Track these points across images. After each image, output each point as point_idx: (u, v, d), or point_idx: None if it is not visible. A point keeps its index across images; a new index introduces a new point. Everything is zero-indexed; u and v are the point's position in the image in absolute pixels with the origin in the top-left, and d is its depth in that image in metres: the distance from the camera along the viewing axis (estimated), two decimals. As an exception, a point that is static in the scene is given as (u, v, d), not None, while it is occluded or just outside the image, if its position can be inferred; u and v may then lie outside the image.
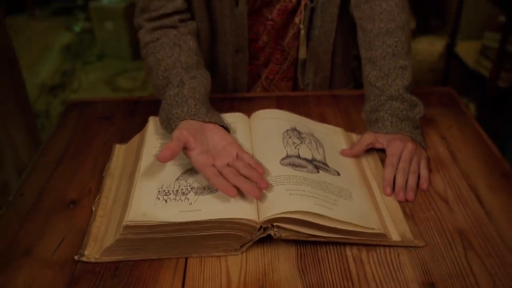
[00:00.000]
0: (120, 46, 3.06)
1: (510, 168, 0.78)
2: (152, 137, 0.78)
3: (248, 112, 0.85)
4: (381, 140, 0.79)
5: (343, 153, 0.79)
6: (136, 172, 0.70)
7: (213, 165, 0.66)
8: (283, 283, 0.60)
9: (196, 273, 0.62)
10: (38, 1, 3.66)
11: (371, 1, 0.85)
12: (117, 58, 3.07)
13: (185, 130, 0.68)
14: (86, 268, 0.62)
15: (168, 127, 0.73)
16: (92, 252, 0.64)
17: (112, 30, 3.01)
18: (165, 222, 0.61)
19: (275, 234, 0.63)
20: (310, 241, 0.65)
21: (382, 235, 0.64)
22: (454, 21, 2.50)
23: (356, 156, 0.79)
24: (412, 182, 0.74)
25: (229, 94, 1.00)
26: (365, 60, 0.86)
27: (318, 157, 0.75)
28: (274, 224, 0.63)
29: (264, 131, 0.78)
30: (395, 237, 0.65)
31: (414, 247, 0.65)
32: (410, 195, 0.72)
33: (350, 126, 0.90)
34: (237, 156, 0.69)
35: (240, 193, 0.64)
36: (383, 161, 0.79)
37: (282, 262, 0.63)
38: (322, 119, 0.90)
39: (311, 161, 0.73)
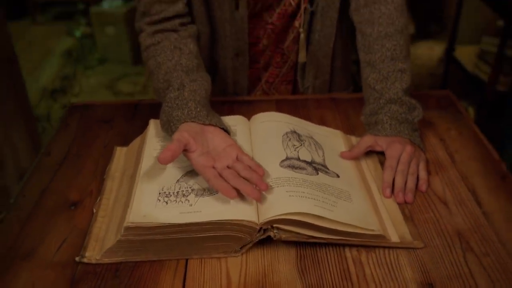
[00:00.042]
0: (121, 51, 3.08)
1: (508, 170, 0.79)
2: (152, 139, 0.78)
3: (248, 115, 0.85)
4: (380, 143, 0.80)
5: (342, 155, 0.79)
6: (137, 174, 0.71)
7: (213, 167, 0.67)
8: (283, 284, 0.60)
9: (197, 274, 0.62)
10: (40, 6, 3.68)
11: (370, 5, 0.85)
12: (117, 63, 3.09)
13: (186, 132, 0.69)
14: (87, 269, 0.63)
15: (169, 129, 0.74)
16: (93, 253, 0.64)
17: (113, 35, 3.02)
18: (165, 223, 0.61)
19: (275, 236, 0.63)
20: (309, 243, 0.65)
21: (382, 237, 0.65)
22: (453, 26, 2.51)
23: (355, 159, 0.80)
24: (411, 184, 0.74)
25: (229, 97, 1.00)
26: (364, 63, 0.87)
27: (318, 159, 0.75)
28: (274, 225, 0.63)
29: (264, 134, 0.79)
30: (394, 238, 0.66)
31: (413, 248, 0.65)
32: (409, 197, 0.73)
33: (350, 129, 0.90)
34: (237, 158, 0.69)
35: (240, 195, 0.65)
36: (382, 164, 0.79)
37: (282, 263, 0.63)
38: (322, 122, 0.90)
39: (310, 163, 0.73)
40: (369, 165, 0.80)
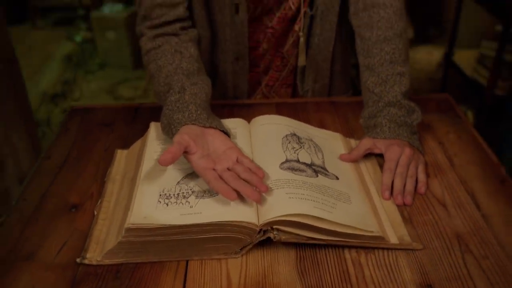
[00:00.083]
0: (121, 56, 3.09)
1: (507, 174, 0.79)
2: (153, 142, 0.79)
3: (248, 119, 0.86)
4: (379, 146, 0.80)
5: (341, 158, 0.80)
6: (137, 176, 0.71)
7: (214, 169, 0.67)
8: (283, 285, 0.61)
9: (197, 275, 0.62)
10: (40, 11, 3.69)
11: (369, 9, 0.86)
12: (118, 68, 3.10)
13: (186, 134, 0.69)
14: (88, 270, 0.63)
15: (169, 132, 0.74)
16: (94, 255, 0.65)
17: (113, 39, 3.03)
18: (166, 224, 0.62)
19: (274, 237, 0.63)
20: (309, 244, 0.65)
21: (381, 238, 0.65)
22: (451, 30, 2.52)
23: (355, 161, 0.80)
24: (410, 186, 0.75)
25: (229, 100, 1.01)
26: (363, 67, 0.88)
27: (317, 161, 0.76)
28: (274, 227, 0.63)
29: (263, 136, 0.79)
30: (393, 240, 0.66)
31: (412, 250, 0.65)
32: (408, 199, 0.73)
33: (349, 132, 0.91)
34: (237, 160, 0.70)
35: (240, 197, 0.65)
36: (381, 166, 0.80)
37: (282, 265, 0.64)
38: (321, 125, 0.91)
39: (310, 165, 0.74)
40: (368, 168, 0.81)
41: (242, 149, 0.75)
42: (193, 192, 0.67)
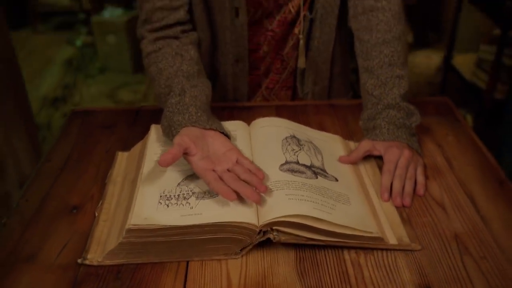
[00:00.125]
0: (122, 60, 3.10)
1: (505, 176, 0.80)
2: (154, 144, 0.79)
3: (248, 121, 0.86)
4: (379, 147, 0.81)
5: (341, 159, 0.80)
6: (138, 178, 0.72)
7: (214, 170, 0.68)
8: (283, 286, 0.61)
9: (197, 276, 0.63)
10: (41, 16, 3.71)
11: (368, 12, 0.87)
12: (118, 72, 3.11)
13: (186, 136, 0.70)
14: (89, 271, 0.63)
15: (170, 134, 0.75)
16: (95, 256, 0.65)
17: (113, 44, 3.05)
18: (166, 225, 0.62)
19: (274, 238, 0.64)
20: (309, 245, 0.66)
21: (380, 239, 0.66)
22: (450, 35, 2.54)
23: (354, 163, 0.81)
24: (408, 187, 0.75)
25: (229, 103, 1.02)
26: (362, 69, 0.88)
27: (317, 163, 0.76)
28: (274, 227, 0.64)
29: (263, 138, 0.80)
30: (392, 241, 0.67)
31: (411, 250, 0.66)
32: (407, 201, 0.74)
33: (348, 134, 0.91)
34: (237, 161, 0.70)
35: (240, 198, 0.66)
36: (380, 168, 0.80)
37: (282, 266, 0.64)
38: (321, 127, 0.91)
39: (309, 167, 0.74)
40: (367, 170, 0.81)
41: (242, 151, 0.75)
42: (193, 193, 0.68)
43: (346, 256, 0.65)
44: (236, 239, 0.64)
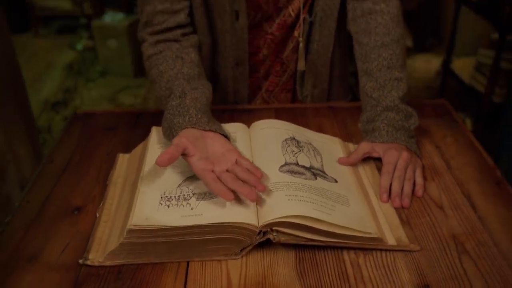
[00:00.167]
0: (122, 64, 3.11)
1: (502, 176, 0.81)
2: (154, 146, 0.80)
3: (248, 123, 0.87)
4: (377, 149, 0.82)
5: (340, 161, 0.81)
6: (139, 179, 0.72)
7: (213, 171, 0.68)
8: (282, 286, 0.62)
9: (198, 276, 0.63)
10: (42, 20, 3.73)
11: (367, 15, 0.88)
12: (119, 75, 3.12)
13: (185, 137, 0.71)
14: (90, 271, 0.64)
15: (170, 135, 0.75)
16: (96, 256, 0.66)
17: (114, 48, 3.06)
18: (167, 226, 0.63)
19: (274, 238, 0.64)
20: (308, 245, 0.66)
21: (379, 240, 0.66)
22: (449, 39, 2.55)
23: (353, 164, 0.81)
24: (407, 189, 0.76)
25: (229, 106, 1.02)
26: (361, 72, 0.89)
27: (316, 165, 0.77)
28: (274, 228, 0.64)
29: (263, 140, 0.81)
30: (391, 241, 0.67)
31: (409, 251, 0.66)
32: (406, 202, 0.74)
33: (347, 137, 0.92)
34: (236, 162, 0.71)
35: (240, 198, 0.66)
36: (379, 170, 0.81)
37: (281, 266, 0.64)
38: (320, 130, 0.92)
39: (309, 168, 0.75)
40: (366, 171, 0.82)
41: (242, 153, 0.76)
42: (193, 194, 0.68)
43: (346, 257, 0.66)
44: (236, 240, 0.64)
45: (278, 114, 0.97)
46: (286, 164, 0.74)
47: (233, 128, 0.84)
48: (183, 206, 0.66)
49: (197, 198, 0.68)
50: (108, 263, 0.65)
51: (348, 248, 0.67)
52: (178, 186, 0.70)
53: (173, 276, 0.63)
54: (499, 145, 1.33)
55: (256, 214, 0.65)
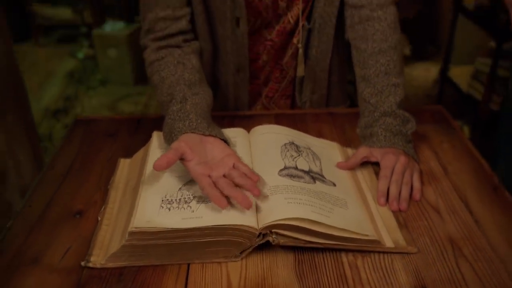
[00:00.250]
0: (123, 72, 3.13)
1: (498, 181, 0.82)
2: (156, 150, 0.81)
3: (248, 129, 0.88)
4: (375, 154, 0.83)
5: (338, 165, 0.82)
6: (140, 183, 0.73)
7: (209, 176, 0.69)
8: (282, 287, 0.62)
9: (198, 278, 0.64)
10: (43, 29, 3.76)
11: (365, 22, 0.90)
12: (119, 84, 3.14)
13: (184, 142, 0.72)
14: (92, 273, 0.65)
15: (171, 140, 0.76)
16: (98, 259, 0.66)
17: (115, 56, 3.08)
18: (168, 228, 0.63)
19: (273, 241, 0.65)
20: (307, 248, 0.67)
21: (377, 242, 0.67)
22: (447, 48, 2.58)
23: (351, 169, 0.82)
24: (405, 192, 0.77)
25: (229, 112, 1.04)
26: (359, 78, 0.91)
27: (315, 169, 0.78)
28: (273, 230, 0.65)
29: (263, 145, 0.82)
30: (389, 243, 0.68)
31: (407, 253, 0.67)
32: (403, 205, 0.75)
33: (346, 142, 0.93)
34: (233, 166, 0.71)
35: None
36: (377, 174, 0.82)
37: (281, 268, 0.65)
38: (319, 135, 0.93)
39: (308, 172, 0.76)
40: (364, 175, 0.83)
41: (241, 158, 0.76)
42: (194, 197, 0.69)
43: (344, 259, 0.67)
44: (236, 242, 0.65)
45: (278, 120, 0.99)
46: (285, 168, 0.75)
47: (233, 133, 0.85)
48: (184, 209, 0.67)
49: (198, 201, 0.68)
50: (110, 265, 0.65)
51: (347, 250, 0.67)
52: (179, 190, 0.71)
53: (174, 278, 0.64)
54: (496, 152, 1.34)
55: (256, 216, 0.66)
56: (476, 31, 2.30)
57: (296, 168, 0.76)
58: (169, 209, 0.67)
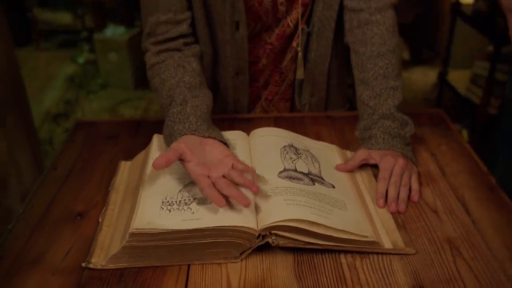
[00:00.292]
0: (123, 77, 3.14)
1: (495, 182, 0.82)
2: (156, 153, 0.81)
3: (248, 132, 0.88)
4: (374, 156, 0.83)
5: (337, 167, 0.83)
6: (141, 185, 0.74)
7: (209, 177, 0.70)
8: (281, 288, 0.63)
9: (198, 279, 0.64)
10: (44, 34, 3.78)
11: (363, 26, 0.90)
12: (120, 88, 3.15)
13: (183, 143, 0.72)
14: (93, 274, 0.65)
15: (170, 142, 0.76)
16: (99, 260, 0.67)
17: (115, 61, 3.10)
18: (168, 229, 0.64)
19: (273, 242, 0.66)
20: (306, 249, 0.68)
21: (375, 243, 0.68)
22: (445, 52, 2.59)
23: (350, 171, 0.83)
24: (403, 194, 0.78)
25: (229, 115, 1.04)
26: (358, 81, 0.92)
27: (314, 171, 0.79)
28: (272, 232, 0.66)
29: (262, 147, 0.82)
30: (387, 245, 0.69)
31: (405, 254, 0.68)
32: (402, 207, 0.76)
33: (345, 145, 0.94)
34: (232, 167, 0.72)
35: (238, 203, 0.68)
36: (376, 176, 0.83)
37: (280, 269, 0.66)
38: (318, 138, 0.94)
39: (307, 174, 0.77)
40: (363, 177, 0.83)
41: (241, 160, 0.77)
42: (194, 199, 0.70)
43: (343, 260, 0.67)
44: (235, 243, 0.65)
45: (277, 123, 0.99)
46: (284, 170, 0.76)
47: (233, 136, 0.85)
48: (184, 210, 0.68)
49: (198, 203, 0.69)
50: (111, 266, 0.66)
51: (345, 252, 0.68)
52: (179, 192, 0.72)
53: (174, 279, 0.65)
54: (494, 154, 1.35)
55: (256, 218, 0.67)
56: (474, 35, 2.32)
57: (295, 170, 0.77)
58: (170, 211, 0.68)
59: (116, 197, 0.79)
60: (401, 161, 0.81)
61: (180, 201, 0.70)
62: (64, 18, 3.84)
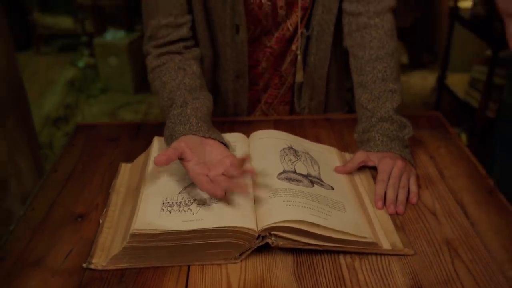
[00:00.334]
0: (123, 81, 3.15)
1: (493, 185, 0.83)
2: (156, 155, 0.82)
3: (247, 135, 0.89)
4: (373, 158, 0.84)
5: (336, 169, 0.83)
6: (141, 187, 0.74)
7: (208, 176, 0.70)
8: (281, 288, 0.63)
9: (198, 280, 0.65)
10: (44, 38, 3.79)
11: (362, 29, 0.91)
12: (119, 92, 3.16)
13: (184, 142, 0.73)
14: (94, 275, 0.66)
15: (171, 143, 0.77)
16: (100, 261, 0.67)
17: (115, 65, 3.11)
18: (169, 230, 0.64)
19: (272, 243, 0.66)
20: (306, 250, 0.68)
21: (374, 244, 0.68)
22: (444, 56, 2.60)
23: (349, 173, 0.84)
24: (402, 196, 0.78)
25: (229, 117, 1.05)
26: (356, 84, 0.92)
27: (313, 173, 0.79)
28: (272, 232, 0.66)
29: (262, 150, 0.83)
30: (386, 246, 0.69)
31: (404, 255, 0.68)
32: (400, 208, 0.77)
33: (344, 147, 0.94)
34: (230, 165, 0.72)
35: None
36: (374, 178, 0.83)
37: (280, 270, 0.66)
38: (317, 140, 0.94)
39: (306, 176, 0.77)
40: (362, 179, 0.84)
41: (241, 162, 0.78)
42: (194, 200, 0.70)
43: (342, 261, 0.68)
44: (235, 244, 0.66)
45: (277, 126, 1.00)
46: (284, 172, 0.77)
47: (233, 138, 0.86)
48: (184, 211, 0.68)
49: (198, 204, 0.70)
50: (111, 267, 0.66)
51: (344, 253, 0.68)
52: (179, 193, 0.72)
53: (174, 279, 0.65)
54: (492, 156, 1.36)
55: (255, 219, 0.67)
56: (472, 39, 2.33)
57: (294, 172, 0.77)
58: (170, 212, 0.68)
59: (116, 199, 0.79)
60: (399, 163, 0.81)
61: (180, 202, 0.70)
62: (64, 22, 3.86)
